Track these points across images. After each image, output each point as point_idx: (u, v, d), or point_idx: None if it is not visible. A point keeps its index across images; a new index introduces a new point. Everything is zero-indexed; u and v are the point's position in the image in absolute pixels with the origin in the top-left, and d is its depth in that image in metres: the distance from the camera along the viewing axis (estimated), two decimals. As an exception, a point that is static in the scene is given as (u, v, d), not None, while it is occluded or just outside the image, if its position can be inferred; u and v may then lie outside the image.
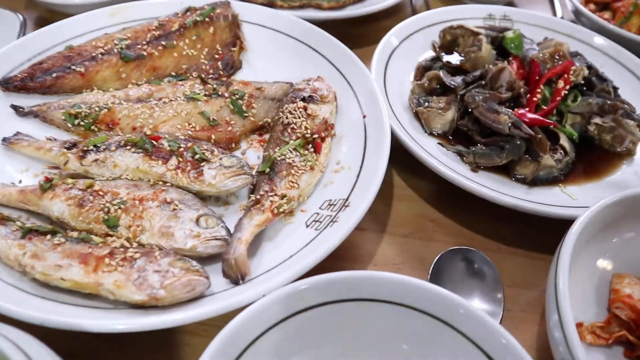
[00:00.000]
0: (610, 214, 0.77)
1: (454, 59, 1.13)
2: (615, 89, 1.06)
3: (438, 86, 1.04)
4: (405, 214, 0.93)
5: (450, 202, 0.94)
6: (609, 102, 0.99)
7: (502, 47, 1.13)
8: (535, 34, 1.22)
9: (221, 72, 1.10)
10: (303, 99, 0.95)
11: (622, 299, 0.77)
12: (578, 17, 1.35)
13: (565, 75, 0.99)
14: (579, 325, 0.75)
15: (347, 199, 0.83)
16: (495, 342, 0.58)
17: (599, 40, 1.21)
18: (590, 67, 1.07)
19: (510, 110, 0.94)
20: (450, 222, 0.92)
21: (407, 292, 0.63)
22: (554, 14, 1.49)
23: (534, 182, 0.92)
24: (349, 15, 1.22)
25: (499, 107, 0.94)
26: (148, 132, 0.93)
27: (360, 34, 1.20)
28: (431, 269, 0.81)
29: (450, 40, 1.18)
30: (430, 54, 1.17)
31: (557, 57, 1.03)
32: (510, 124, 0.91)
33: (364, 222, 0.87)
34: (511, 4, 1.50)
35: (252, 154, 0.96)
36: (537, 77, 1.00)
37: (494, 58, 1.09)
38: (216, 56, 1.11)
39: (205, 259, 0.78)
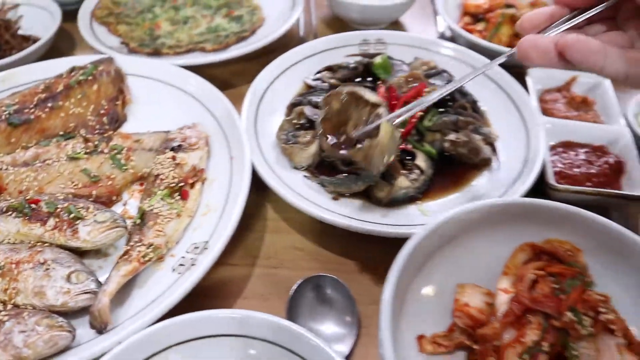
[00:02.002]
0: (451, 227, 0.84)
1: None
2: (474, 102, 1.13)
3: (305, 121, 1.10)
4: (277, 245, 0.99)
5: (317, 231, 1.00)
6: (461, 118, 1.06)
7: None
8: (409, 54, 1.28)
9: (107, 127, 1.16)
10: (172, 149, 1.02)
11: (461, 308, 0.84)
12: (453, 33, 1.42)
13: (420, 97, 1.06)
14: (420, 338, 0.82)
15: (207, 241, 0.90)
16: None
17: (467, 54, 1.28)
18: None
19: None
20: (317, 250, 0.98)
21: (252, 325, 0.72)
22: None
23: (391, 203, 0.98)
24: (231, 56, 1.29)
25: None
26: (34, 195, 0.99)
27: (248, 70, 1.26)
28: (288, 299, 0.87)
29: (340, 109, 0.97)
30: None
31: (411, 80, 1.09)
32: (362, 152, 0.98)
33: (235, 258, 0.95)
34: (397, 26, 1.57)
35: (134, 204, 1.02)
36: (394, 102, 1.07)
37: (398, 143, 0.90)
38: (102, 111, 1.17)
39: (81, 312, 0.84)
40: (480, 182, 1.04)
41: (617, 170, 1.09)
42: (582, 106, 1.22)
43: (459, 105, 1.11)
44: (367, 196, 1.00)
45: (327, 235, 0.99)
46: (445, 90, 0.87)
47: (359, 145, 0.91)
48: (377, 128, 0.87)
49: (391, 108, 1.06)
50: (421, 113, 1.06)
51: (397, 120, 0.89)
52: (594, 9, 0.68)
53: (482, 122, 1.09)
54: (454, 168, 1.07)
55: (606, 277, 0.84)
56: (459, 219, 0.86)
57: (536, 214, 0.88)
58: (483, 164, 1.06)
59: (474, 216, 0.87)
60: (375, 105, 0.93)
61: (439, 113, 1.09)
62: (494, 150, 1.07)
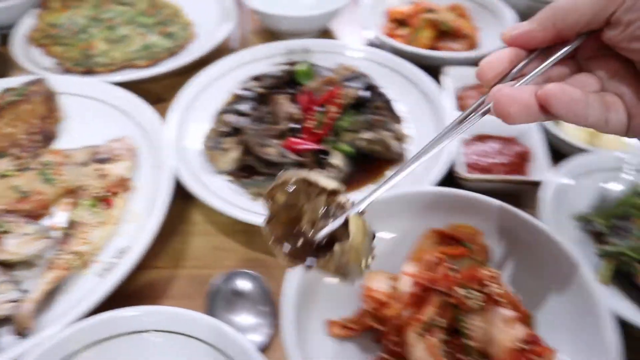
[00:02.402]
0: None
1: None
2: (387, 102, 1.20)
3: (230, 129, 1.15)
4: (202, 247, 1.04)
5: (240, 231, 1.05)
6: (374, 117, 1.12)
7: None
8: (334, 62, 1.34)
9: (39, 145, 1.20)
10: (98, 161, 1.06)
11: (368, 293, 0.89)
12: (377, 39, 1.49)
13: (336, 100, 1.12)
14: (329, 322, 0.87)
15: (130, 246, 0.94)
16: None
17: (388, 58, 1.35)
18: (369, 87, 1.21)
19: (277, 142, 1.06)
20: (241, 249, 1.03)
21: (161, 320, 0.78)
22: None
23: (308, 201, 1.03)
24: (162, 71, 1.34)
25: (269, 140, 1.06)
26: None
27: (180, 84, 1.29)
28: (207, 295, 0.91)
29: (287, 203, 0.66)
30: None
31: (327, 85, 1.15)
32: (278, 154, 1.03)
33: (161, 261, 0.99)
34: (328, 34, 1.64)
35: (63, 216, 1.06)
36: (311, 106, 1.12)
37: (372, 238, 0.64)
38: (34, 130, 1.21)
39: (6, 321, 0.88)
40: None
41: (525, 158, 1.16)
42: (496, 101, 1.29)
43: (374, 106, 1.17)
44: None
45: (250, 234, 1.04)
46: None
47: (326, 254, 0.61)
48: (344, 224, 0.61)
49: (307, 113, 1.12)
50: (338, 114, 1.12)
51: (363, 206, 0.62)
52: (559, 52, 0.59)
53: (394, 120, 1.15)
54: (371, 164, 1.13)
55: (506, 255, 0.90)
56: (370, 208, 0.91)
57: (442, 201, 0.94)
58: (397, 158, 1.12)
59: (382, 206, 0.93)
60: (333, 193, 0.65)
61: (355, 114, 1.15)
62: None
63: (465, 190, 0.94)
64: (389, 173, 1.12)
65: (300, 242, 0.65)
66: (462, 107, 1.28)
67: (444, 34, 1.48)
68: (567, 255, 0.84)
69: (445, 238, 0.94)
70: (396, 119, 1.18)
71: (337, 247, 0.59)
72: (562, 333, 0.84)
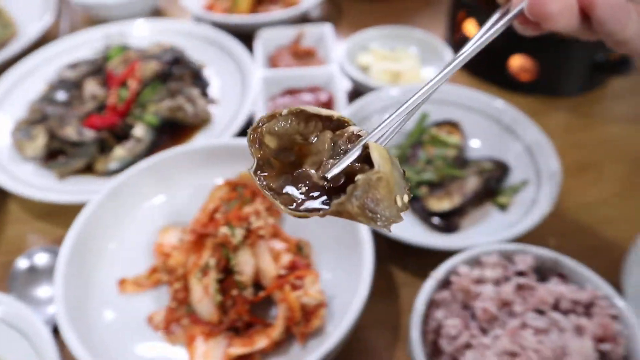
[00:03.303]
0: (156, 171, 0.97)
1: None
2: (194, 72, 1.24)
3: (39, 116, 1.18)
4: (18, 234, 1.07)
5: (51, 211, 1.08)
6: (173, 85, 1.17)
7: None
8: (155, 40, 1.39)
9: None
10: None
11: (158, 248, 0.95)
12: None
13: (136, 75, 1.16)
14: (122, 281, 0.91)
15: None
16: None
17: (201, 32, 1.40)
18: (175, 60, 1.25)
19: (77, 122, 1.10)
20: (54, 229, 1.07)
21: None
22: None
23: (112, 173, 1.08)
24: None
25: (69, 120, 1.10)
26: None
27: None
28: (10, 275, 0.95)
29: (281, 146, 0.48)
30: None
31: (126, 61, 1.19)
32: (77, 133, 1.07)
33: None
34: (160, 13, 1.67)
35: None
36: (113, 84, 1.16)
37: (401, 171, 0.46)
38: None
39: None
40: (200, 138, 1.15)
41: (329, 106, 1.22)
42: (306, 56, 1.35)
43: (179, 77, 1.21)
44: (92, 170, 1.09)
45: (61, 213, 1.07)
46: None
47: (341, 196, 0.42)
48: (362, 156, 0.44)
49: (109, 90, 1.16)
50: (139, 88, 1.16)
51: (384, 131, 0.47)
52: None
53: (199, 88, 1.21)
54: (181, 130, 1.18)
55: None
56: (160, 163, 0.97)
57: (233, 152, 0.99)
58: (200, 122, 1.18)
59: (179, 162, 0.98)
60: (340, 125, 0.47)
61: (159, 86, 1.19)
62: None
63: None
64: (197, 137, 1.17)
65: (305, 188, 0.46)
66: (273, 66, 1.34)
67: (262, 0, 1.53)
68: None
69: (237, 187, 1.00)
70: (201, 86, 1.22)
71: (359, 177, 0.41)
72: (332, 256, 0.91)
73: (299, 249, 0.90)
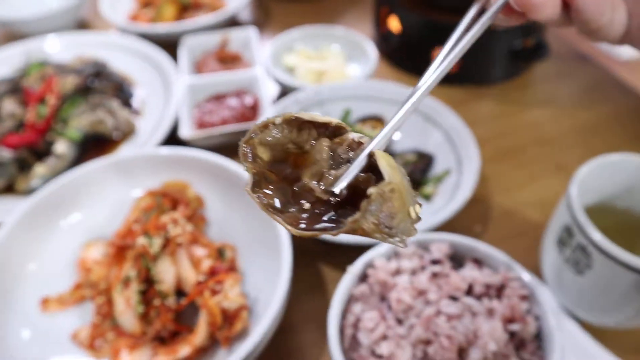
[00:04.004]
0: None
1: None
2: (117, 84, 1.23)
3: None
4: None
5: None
6: (94, 100, 1.15)
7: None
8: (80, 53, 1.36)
9: None
10: None
11: (82, 263, 0.93)
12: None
13: (54, 91, 1.14)
14: (44, 300, 0.89)
15: None
16: None
17: (126, 41, 1.38)
18: (98, 73, 1.23)
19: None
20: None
21: None
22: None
23: (31, 191, 1.05)
24: None
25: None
26: None
27: None
28: None
29: (275, 158, 0.44)
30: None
31: (43, 77, 1.17)
32: (-7, 153, 1.04)
33: None
34: (85, 25, 1.64)
35: None
36: (31, 101, 1.14)
37: (407, 178, 0.43)
38: None
39: None
40: (124, 149, 1.14)
41: (255, 109, 1.22)
42: (232, 61, 1.35)
43: (100, 90, 1.20)
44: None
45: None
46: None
47: (355, 213, 0.39)
48: (365, 165, 0.41)
49: (28, 105, 1.13)
50: (58, 104, 1.14)
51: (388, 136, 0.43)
52: None
53: (122, 100, 1.19)
54: (105, 143, 1.16)
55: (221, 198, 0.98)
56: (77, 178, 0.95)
57: (154, 162, 0.98)
58: (127, 135, 1.16)
59: (90, 176, 0.97)
60: (338, 132, 0.44)
61: (81, 100, 1.17)
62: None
63: (181, 148, 0.99)
64: (121, 149, 1.15)
65: (309, 204, 0.42)
66: (199, 72, 1.33)
67: (187, 7, 1.52)
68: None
69: (163, 196, 0.99)
70: (124, 97, 1.21)
71: (372, 190, 0.38)
72: (257, 258, 0.91)
73: (220, 253, 0.90)
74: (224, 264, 0.87)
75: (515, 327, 0.70)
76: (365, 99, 1.19)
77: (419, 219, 0.41)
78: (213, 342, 0.82)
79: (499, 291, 0.75)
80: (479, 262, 0.80)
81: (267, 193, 0.43)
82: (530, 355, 0.71)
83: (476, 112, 1.29)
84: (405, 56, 1.40)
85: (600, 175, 0.82)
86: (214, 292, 0.81)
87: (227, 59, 1.35)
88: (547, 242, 0.86)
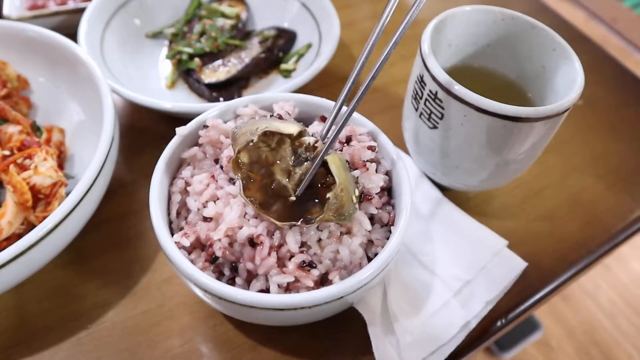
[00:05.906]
0: None
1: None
2: None
3: None
4: None
5: None
6: None
7: None
8: None
9: None
10: None
11: None
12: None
13: None
14: None
15: None
16: None
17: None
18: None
19: None
20: None
21: None
22: None
23: None
24: None
25: None
26: None
27: None
28: None
29: (253, 161, 0.61)
30: None
31: None
32: None
33: None
34: None
35: None
36: None
37: (348, 168, 0.62)
38: None
39: None
40: None
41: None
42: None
43: None
44: None
45: None
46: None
47: (316, 200, 0.59)
48: (322, 168, 0.60)
49: None
50: None
51: (333, 144, 0.61)
52: None
53: None
54: None
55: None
56: None
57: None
58: None
59: None
60: (298, 136, 0.63)
61: None
62: None
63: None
64: None
65: (284, 202, 0.59)
66: None
67: None
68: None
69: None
70: None
71: (330, 195, 0.57)
72: (87, 142, 0.80)
73: (36, 129, 0.78)
74: (39, 141, 0.75)
75: (356, 173, 0.63)
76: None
77: (359, 200, 0.59)
78: (30, 227, 0.71)
79: (343, 144, 0.68)
80: (325, 119, 0.73)
81: (255, 195, 0.58)
82: (377, 209, 0.64)
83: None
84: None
85: (453, 27, 0.76)
86: (23, 168, 0.70)
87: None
88: (406, 105, 0.80)
